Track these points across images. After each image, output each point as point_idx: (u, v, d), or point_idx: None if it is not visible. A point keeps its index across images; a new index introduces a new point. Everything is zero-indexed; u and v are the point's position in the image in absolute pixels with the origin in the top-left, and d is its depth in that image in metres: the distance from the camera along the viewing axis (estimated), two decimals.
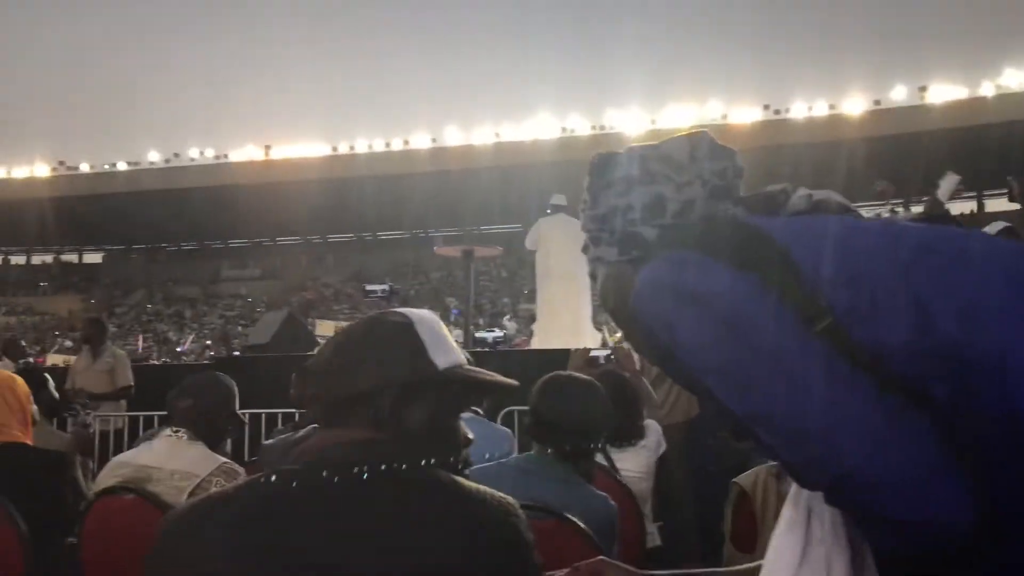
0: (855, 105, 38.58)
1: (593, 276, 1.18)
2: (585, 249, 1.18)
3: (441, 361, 1.18)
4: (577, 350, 4.19)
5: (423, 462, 1.12)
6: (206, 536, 1.04)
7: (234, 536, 1.03)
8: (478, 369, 1.30)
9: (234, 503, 1.08)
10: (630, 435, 3.16)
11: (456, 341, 1.25)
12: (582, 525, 1.88)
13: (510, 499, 1.11)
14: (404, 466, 1.10)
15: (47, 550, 2.67)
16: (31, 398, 3.01)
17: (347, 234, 52.29)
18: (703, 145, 1.13)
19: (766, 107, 40.65)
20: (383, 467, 1.08)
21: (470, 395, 1.27)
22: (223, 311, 46.39)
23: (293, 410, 5.60)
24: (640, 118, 42.47)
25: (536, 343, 8.49)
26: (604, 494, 2.17)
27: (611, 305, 1.15)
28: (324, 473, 1.08)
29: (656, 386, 4.48)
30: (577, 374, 2.46)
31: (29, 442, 2.88)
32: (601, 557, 1.17)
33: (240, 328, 37.16)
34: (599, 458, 2.96)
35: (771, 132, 38.91)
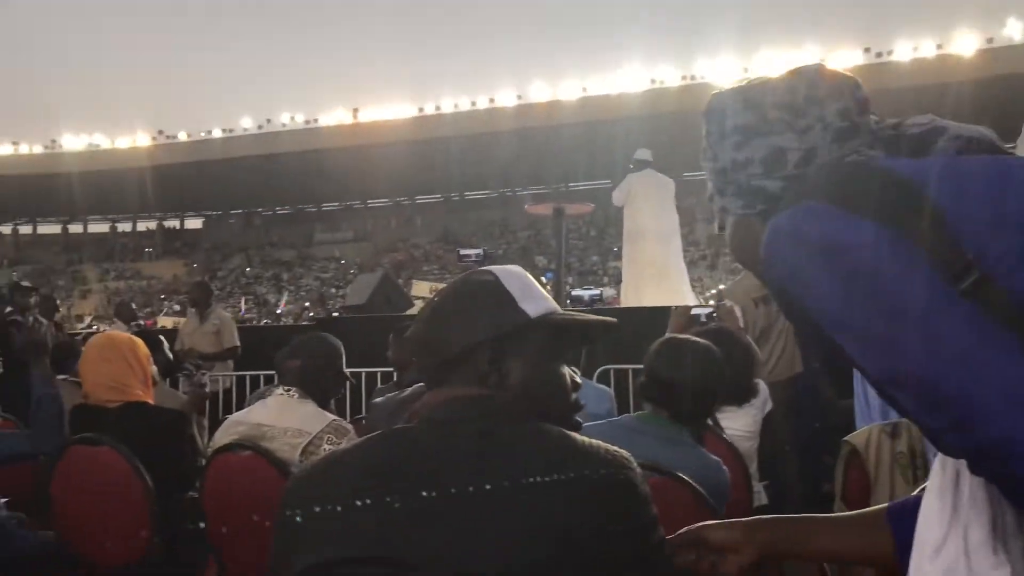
0: (965, 44, 36.35)
1: (721, 227, 1.15)
2: (710, 199, 1.14)
3: (532, 309, 1.18)
4: (678, 308, 4.12)
5: (531, 414, 1.13)
6: (326, 495, 1.07)
7: (352, 494, 1.05)
8: (573, 312, 1.30)
9: (351, 462, 1.11)
10: (745, 395, 3.10)
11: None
12: (695, 484, 1.87)
13: (624, 452, 1.10)
14: (512, 419, 1.11)
15: (170, 503, 2.83)
16: (151, 359, 3.16)
17: (435, 195, 52.76)
18: (820, 82, 1.06)
19: (867, 49, 38.84)
20: (491, 421, 1.10)
21: (568, 339, 1.26)
22: (318, 273, 47.69)
23: (391, 369, 5.74)
24: (732, 65, 41.14)
25: (627, 301, 8.40)
26: (717, 459, 2.14)
27: (740, 256, 1.11)
28: (433, 429, 1.11)
29: (761, 343, 4.39)
30: (694, 337, 2.42)
31: (151, 401, 3.04)
32: (702, 523, 1.15)
33: (334, 290, 38.16)
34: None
35: (873, 76, 37.20)
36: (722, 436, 2.82)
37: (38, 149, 52.05)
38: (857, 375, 3.44)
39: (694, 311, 4.12)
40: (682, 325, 3.87)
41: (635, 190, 8.28)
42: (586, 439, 1.10)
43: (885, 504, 1.05)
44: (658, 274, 8.24)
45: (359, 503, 1.04)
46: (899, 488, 2.30)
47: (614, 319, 1.27)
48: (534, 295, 1.21)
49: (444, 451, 1.07)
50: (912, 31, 39.04)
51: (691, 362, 2.21)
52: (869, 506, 2.40)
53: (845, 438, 2.62)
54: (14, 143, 52.37)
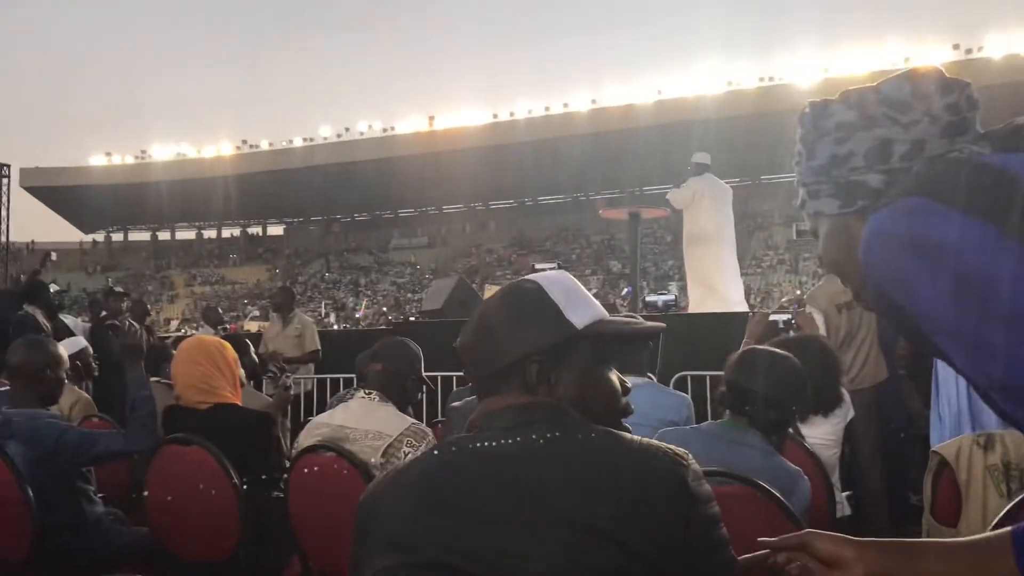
0: None
1: (814, 233, 1.12)
2: (802, 204, 1.11)
3: (578, 319, 1.18)
4: (756, 314, 4.05)
5: (580, 419, 1.14)
6: (390, 504, 1.12)
7: (414, 504, 1.09)
8: (620, 319, 1.30)
9: (412, 472, 1.15)
10: (829, 405, 3.04)
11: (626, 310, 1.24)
12: (775, 492, 1.85)
13: (679, 449, 1.10)
14: (565, 424, 1.12)
15: (257, 502, 2.92)
16: (239, 362, 3.27)
17: (508, 200, 53.04)
18: (928, 81, 1.03)
19: (956, 46, 37.46)
20: (541, 428, 1.11)
21: (616, 347, 1.26)
22: (394, 278, 48.44)
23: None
24: (812, 65, 40.13)
25: (697, 306, 8.26)
26: (797, 468, 2.11)
27: (835, 259, 1.08)
28: (485, 440, 1.12)
29: (844, 350, 4.29)
30: (774, 348, 2.40)
31: (239, 403, 3.14)
32: (809, 529, 1.12)
33: (410, 294, 38.69)
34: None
35: (963, 73, 35.79)
36: (803, 444, 2.77)
37: (129, 160, 54.32)
38: (935, 387, 3.33)
39: (772, 317, 4.05)
40: (760, 332, 3.81)
41: (699, 193, 8.17)
42: (640, 438, 1.11)
43: (1008, 528, 0.98)
44: (719, 278, 8.11)
45: (424, 512, 1.08)
46: (992, 502, 2.22)
47: (662, 324, 1.27)
48: (579, 303, 1.21)
49: (502, 459, 1.09)
50: (1003, 26, 37.37)
51: (771, 372, 2.20)
52: (960, 519, 2.34)
53: (934, 448, 2.55)
54: (107, 154, 54.82)
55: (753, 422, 2.15)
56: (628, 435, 1.11)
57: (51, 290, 6.44)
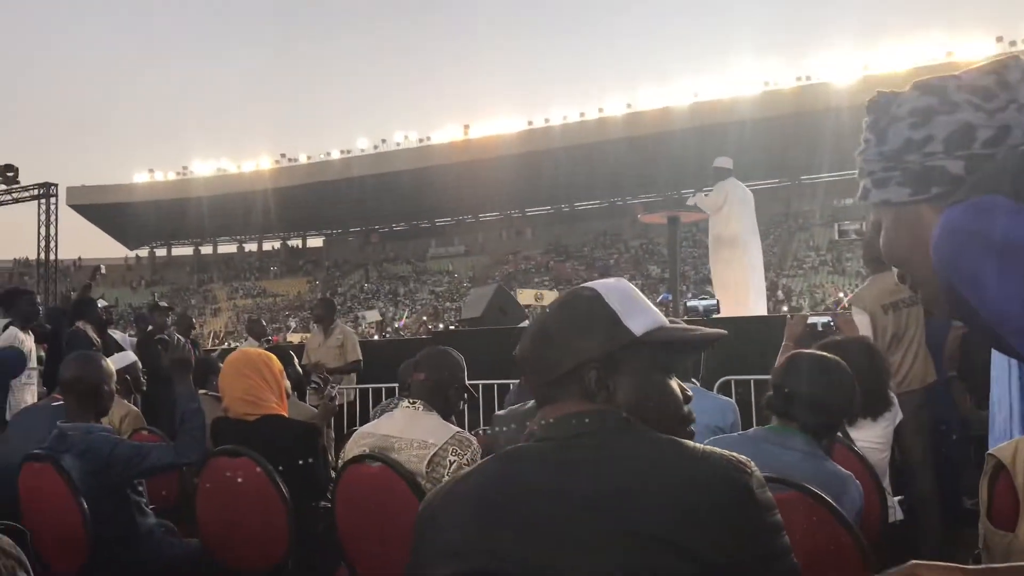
0: None
1: (876, 226, 1.09)
2: (864, 195, 1.07)
3: (637, 326, 1.18)
4: (794, 316, 3.99)
5: (640, 426, 1.13)
6: (449, 513, 1.13)
7: (471, 513, 1.10)
8: (679, 325, 1.29)
9: (471, 481, 1.16)
10: (878, 408, 2.99)
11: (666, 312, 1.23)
12: (827, 497, 1.82)
13: (741, 457, 1.07)
14: (625, 431, 1.11)
15: (305, 512, 2.96)
16: (284, 374, 3.32)
17: (544, 207, 53.05)
18: (1015, 68, 0.98)
19: (999, 38, 36.69)
20: (601, 435, 1.11)
21: (676, 354, 1.25)
22: (432, 287, 48.67)
23: (508, 381, 5.80)
24: (849, 63, 39.54)
25: (736, 309, 8.18)
26: (849, 472, 2.09)
27: (898, 251, 1.05)
28: (548, 446, 1.13)
29: (891, 351, 4.21)
30: (821, 352, 2.38)
31: (285, 414, 3.19)
32: (914, 561, 1.05)
33: (449, 303, 38.83)
34: None
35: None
36: (852, 448, 2.73)
37: (171, 176, 55.37)
38: (998, 383, 3.26)
39: (811, 320, 3.98)
40: (798, 334, 3.77)
41: (728, 198, 8.12)
42: (700, 446, 1.09)
43: None
44: (747, 281, 8.04)
45: (482, 521, 1.08)
46: None
47: (723, 331, 1.25)
48: (638, 310, 1.20)
49: (560, 467, 1.08)
50: None
51: (818, 376, 2.19)
52: (1018, 523, 2.28)
53: (990, 451, 2.49)
54: (150, 171, 55.93)
55: (801, 427, 2.13)
56: (690, 442, 1.10)
57: (99, 305, 6.59)
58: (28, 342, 5.66)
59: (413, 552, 1.16)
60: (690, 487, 1.02)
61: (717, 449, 1.08)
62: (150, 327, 7.45)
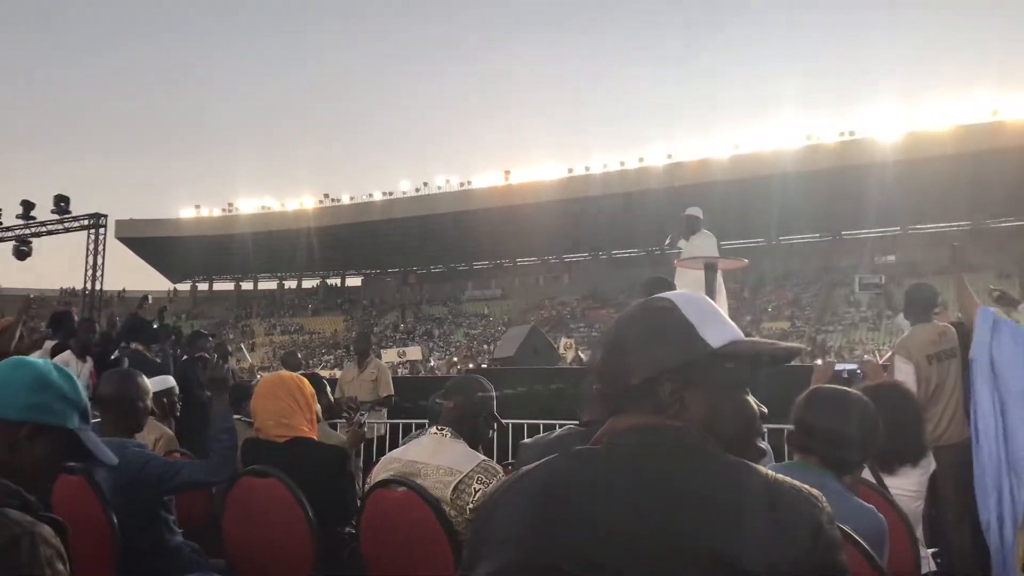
0: None
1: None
2: None
3: (714, 338, 1.15)
4: (821, 365, 3.96)
5: (713, 445, 1.10)
6: (511, 506, 1.11)
7: (532, 506, 1.08)
8: (757, 339, 1.26)
9: (536, 476, 1.13)
10: (913, 454, 2.93)
11: None
12: (850, 531, 1.79)
13: (814, 490, 1.05)
14: (697, 449, 1.09)
15: (331, 535, 2.96)
16: (316, 399, 3.36)
17: (583, 253, 53.10)
18: None
19: None
20: (676, 451, 1.08)
21: (753, 368, 1.20)
22: (467, 329, 48.75)
23: (538, 421, 5.78)
24: (894, 118, 39.36)
25: None
26: (871, 506, 2.05)
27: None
28: (616, 454, 1.10)
29: (932, 402, 4.15)
30: (846, 388, 2.36)
31: (315, 437, 3.22)
32: None
33: (486, 346, 38.80)
34: (867, 475, 2.80)
35: None
36: (886, 495, 2.68)
37: (217, 212, 56.49)
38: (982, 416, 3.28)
39: (837, 367, 3.93)
40: (824, 379, 3.73)
41: (708, 248, 8.15)
42: (774, 474, 1.06)
43: None
44: None
45: (545, 516, 1.06)
46: None
47: (801, 345, 1.22)
48: (715, 322, 1.18)
49: (627, 476, 1.06)
50: None
51: (838, 409, 2.17)
52: None
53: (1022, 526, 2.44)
54: (196, 207, 57.12)
55: (821, 461, 2.11)
56: (762, 468, 1.07)
57: (158, 323, 6.79)
58: (82, 370, 5.79)
59: (470, 543, 1.15)
60: (765, 515, 1.00)
61: (789, 479, 1.05)
62: (184, 356, 7.58)
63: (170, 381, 5.00)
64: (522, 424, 6.05)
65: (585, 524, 1.03)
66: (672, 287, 4.83)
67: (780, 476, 1.06)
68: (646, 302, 1.23)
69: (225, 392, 3.14)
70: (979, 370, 3.39)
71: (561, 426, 3.75)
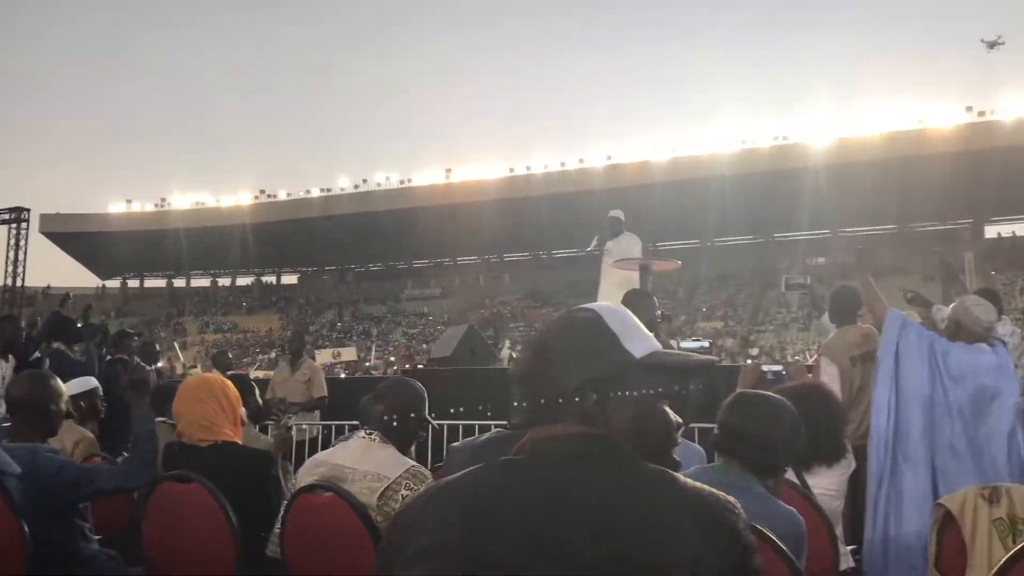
0: None
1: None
2: None
3: (636, 350, 1.18)
4: (749, 365, 4.03)
5: (635, 455, 1.12)
6: (432, 516, 1.10)
7: (454, 518, 1.07)
8: (677, 351, 1.29)
9: (457, 488, 1.13)
10: (834, 453, 3.01)
11: None
12: (770, 535, 1.82)
13: (730, 497, 1.08)
14: (617, 457, 1.10)
15: (254, 541, 2.90)
16: (241, 401, 3.27)
17: (523, 253, 53.27)
18: None
19: (968, 108, 37.73)
20: (597, 459, 1.09)
21: (672, 379, 1.23)
22: (406, 328, 48.44)
23: (474, 422, 5.77)
24: (825, 125, 40.49)
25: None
26: (792, 508, 2.09)
27: None
28: (538, 464, 1.11)
29: (856, 403, 4.25)
30: (769, 393, 2.41)
31: (240, 442, 3.14)
32: None
33: (424, 345, 38.63)
34: (791, 476, 2.86)
35: (974, 135, 36.03)
36: (807, 495, 2.73)
37: (149, 207, 55.05)
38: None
39: (764, 368, 4.02)
40: (752, 382, 3.82)
41: (634, 248, 8.29)
42: (690, 481, 1.09)
43: None
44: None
45: (472, 525, 1.06)
46: (997, 554, 2.19)
47: (715, 358, 1.26)
48: (637, 333, 1.20)
49: (551, 487, 1.07)
50: (1018, 88, 37.71)
51: (763, 414, 2.21)
52: (965, 573, 2.29)
53: (939, 501, 2.52)
54: (128, 201, 55.60)
55: (745, 465, 2.14)
56: (681, 477, 1.09)
57: (82, 322, 6.57)
58: (6, 370, 5.58)
59: (386, 550, 1.13)
60: (680, 522, 1.02)
61: (707, 487, 1.08)
62: (108, 356, 7.33)
63: (92, 382, 4.84)
64: (457, 425, 6.03)
65: (509, 535, 1.03)
66: (650, 299, 4.88)
67: (699, 484, 1.09)
68: (570, 312, 1.25)
69: (146, 394, 3.05)
70: (882, 370, 3.51)
71: (497, 427, 3.74)
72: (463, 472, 1.16)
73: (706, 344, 6.93)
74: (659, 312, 5.06)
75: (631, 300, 4.60)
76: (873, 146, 37.39)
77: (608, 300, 8.17)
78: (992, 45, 36.78)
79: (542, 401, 1.17)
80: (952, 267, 5.50)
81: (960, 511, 2.37)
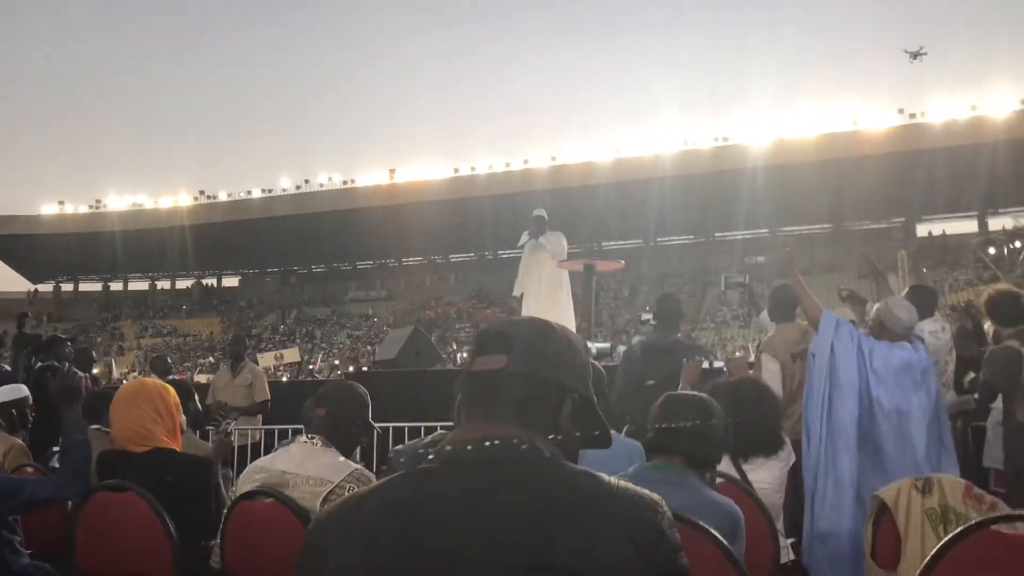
0: (1001, 104, 36.25)
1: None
2: None
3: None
4: (690, 363, 4.09)
5: (560, 457, 1.13)
6: (346, 531, 1.08)
7: (372, 530, 1.06)
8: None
9: (373, 499, 1.11)
10: (771, 444, 3.08)
11: None
12: (709, 528, 1.85)
13: (654, 496, 1.08)
14: (536, 460, 1.10)
15: (192, 550, 2.83)
16: (180, 408, 3.19)
17: (468, 253, 53.20)
18: None
19: (900, 110, 38.90)
20: (515, 463, 1.09)
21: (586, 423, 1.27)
22: (351, 331, 47.97)
23: (420, 424, 5.73)
24: (763, 126, 41.34)
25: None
26: (727, 499, 2.16)
27: None
28: (459, 470, 1.10)
29: (796, 397, 4.33)
30: (693, 392, 2.52)
31: (178, 449, 3.06)
32: None
33: (370, 347, 38.30)
34: (728, 469, 2.90)
35: (905, 137, 37.16)
36: (745, 487, 2.78)
37: (83, 209, 53.48)
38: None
39: (705, 364, 4.11)
40: (694, 379, 3.89)
41: (563, 245, 8.40)
42: (615, 481, 1.09)
43: None
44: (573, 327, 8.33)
45: (391, 540, 1.04)
46: (929, 544, 2.24)
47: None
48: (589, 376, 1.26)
49: (466, 496, 1.06)
50: (947, 92, 39.09)
51: (697, 411, 2.29)
52: (900, 562, 2.35)
53: (875, 493, 2.58)
54: (60, 203, 53.93)
55: (684, 461, 2.20)
56: (605, 477, 1.10)
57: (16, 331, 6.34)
58: None
59: (301, 567, 1.11)
60: (605, 524, 1.02)
61: (631, 486, 1.08)
62: (39, 364, 7.09)
63: (23, 390, 4.68)
64: (403, 427, 5.98)
65: (427, 551, 1.02)
66: (678, 304, 5.04)
67: (623, 483, 1.09)
68: (542, 318, 1.27)
69: (77, 402, 2.95)
70: (817, 365, 3.63)
71: (443, 428, 3.72)
72: (378, 483, 1.15)
73: (606, 346, 6.99)
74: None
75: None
76: (809, 147, 38.27)
77: (541, 295, 8.23)
78: (915, 55, 37.99)
79: (504, 396, 1.15)
80: (877, 267, 5.76)
81: (895, 502, 2.43)
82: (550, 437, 1.15)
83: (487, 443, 1.11)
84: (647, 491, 1.08)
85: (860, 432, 3.43)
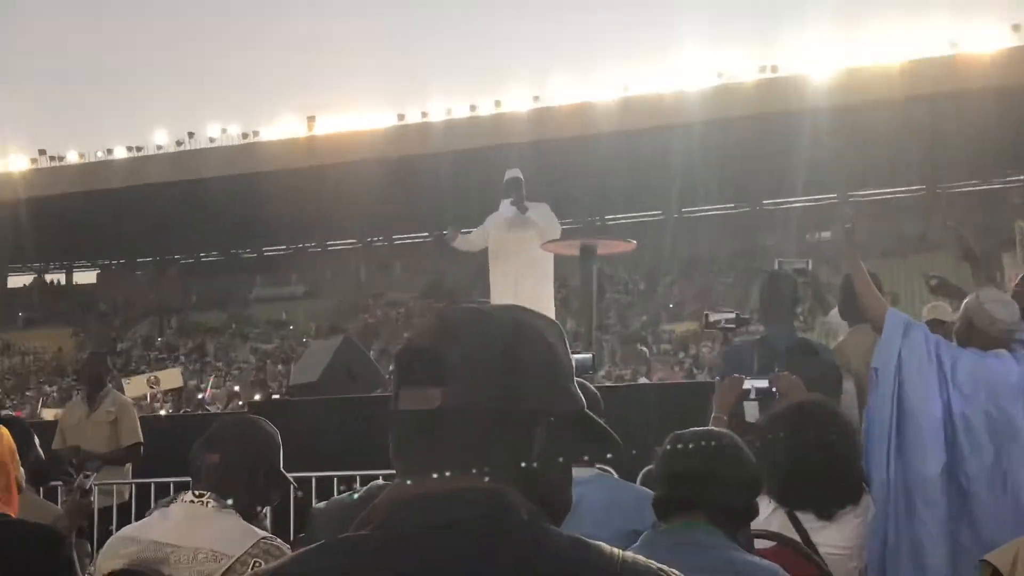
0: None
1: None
2: None
3: (579, 395, 1.24)
4: (726, 380, 4.12)
5: (537, 514, 1.14)
6: None
7: None
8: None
9: (301, 571, 1.12)
10: (848, 493, 3.11)
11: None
12: None
13: (673, 572, 1.11)
14: (509, 525, 1.11)
15: None
16: (16, 457, 3.18)
17: (421, 234, 53.24)
18: None
19: (1015, 27, 39.32)
20: (479, 530, 1.09)
21: (590, 439, 1.28)
22: (256, 343, 47.91)
23: (353, 472, 5.75)
24: (829, 53, 41.68)
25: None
26: (770, 563, 2.19)
27: None
28: (395, 541, 1.11)
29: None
30: (708, 428, 2.56)
31: (13, 514, 3.05)
32: None
33: (280, 366, 38.30)
34: (790, 532, 2.94)
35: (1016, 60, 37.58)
36: (808, 553, 2.82)
37: None
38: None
39: (746, 384, 4.08)
40: (732, 402, 3.92)
41: (553, 220, 8.49)
42: (618, 551, 1.11)
43: None
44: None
45: None
46: None
47: (618, 440, 1.28)
48: (574, 379, 1.26)
49: (411, 572, 1.07)
50: None
51: (717, 449, 2.35)
52: None
53: (984, 557, 2.63)
54: None
55: (710, 519, 2.26)
56: (604, 546, 1.11)
57: None
58: None
59: None
60: None
61: (640, 558, 1.11)
62: None
63: None
64: (330, 478, 6.01)
65: None
66: (794, 285, 4.91)
67: (628, 555, 1.11)
68: (527, 324, 1.25)
69: None
70: (881, 384, 3.65)
71: (385, 477, 3.71)
72: (293, 557, 1.17)
73: (588, 356, 6.97)
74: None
75: None
76: (892, 79, 38.52)
77: (521, 291, 8.29)
78: None
79: (460, 421, 1.15)
80: (970, 243, 5.49)
81: (1011, 568, 2.47)
82: (523, 465, 1.15)
83: (434, 501, 1.12)
84: (661, 565, 1.11)
85: (953, 474, 3.46)
